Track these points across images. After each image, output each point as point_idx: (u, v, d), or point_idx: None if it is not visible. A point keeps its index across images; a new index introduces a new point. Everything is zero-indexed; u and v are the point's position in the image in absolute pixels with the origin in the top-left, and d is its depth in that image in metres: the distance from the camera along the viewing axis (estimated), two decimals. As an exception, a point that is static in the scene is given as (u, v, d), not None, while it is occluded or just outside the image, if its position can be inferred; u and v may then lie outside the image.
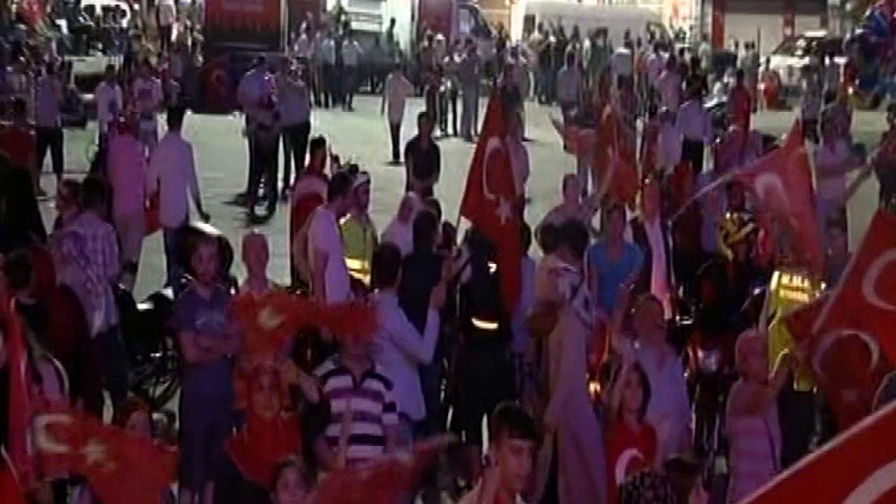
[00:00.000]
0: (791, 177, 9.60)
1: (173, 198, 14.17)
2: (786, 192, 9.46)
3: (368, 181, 11.70)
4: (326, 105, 32.57)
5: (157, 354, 11.25)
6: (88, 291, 9.77)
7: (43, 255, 9.19)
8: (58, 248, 9.46)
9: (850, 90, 30.27)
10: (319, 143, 14.09)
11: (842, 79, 31.96)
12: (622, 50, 34.63)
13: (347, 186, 10.87)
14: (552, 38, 36.63)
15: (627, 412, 7.36)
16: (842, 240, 10.86)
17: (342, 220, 11.14)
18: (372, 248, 10.60)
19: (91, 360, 8.85)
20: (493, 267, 9.67)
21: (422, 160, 15.63)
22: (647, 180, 12.72)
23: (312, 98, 30.63)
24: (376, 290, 8.90)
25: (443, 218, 11.14)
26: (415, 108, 28.88)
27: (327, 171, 13.47)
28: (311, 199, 12.36)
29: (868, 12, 35.36)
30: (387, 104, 25.75)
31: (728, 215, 11.58)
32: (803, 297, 9.60)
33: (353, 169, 12.45)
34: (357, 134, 25.70)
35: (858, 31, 35.37)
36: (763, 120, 28.75)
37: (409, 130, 24.98)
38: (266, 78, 21.60)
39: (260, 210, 19.74)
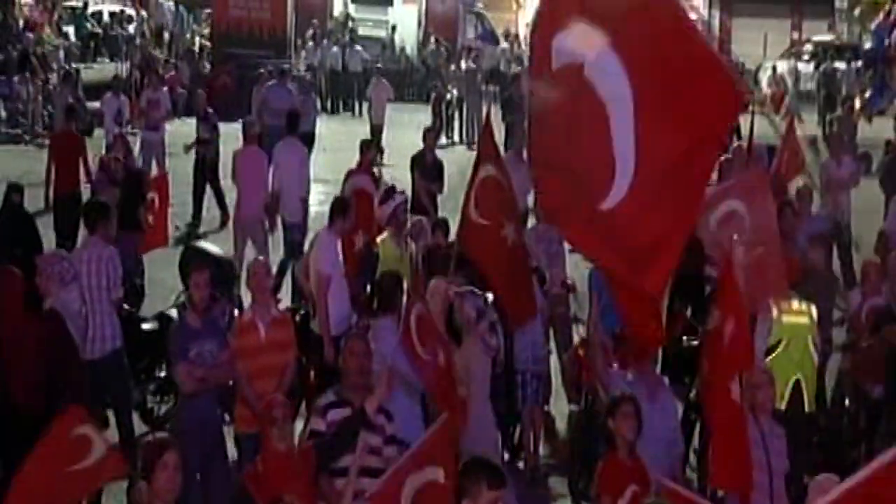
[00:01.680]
0: (755, 202, 9.64)
1: (292, 197, 15.01)
2: (749, 219, 9.50)
3: (406, 201, 11.80)
4: (333, 111, 32.54)
5: (162, 374, 11.26)
6: (80, 314, 9.82)
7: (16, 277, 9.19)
8: (44, 272, 9.43)
9: (858, 102, 30.21)
10: (369, 143, 15.16)
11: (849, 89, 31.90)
12: None
13: (348, 209, 10.89)
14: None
15: (622, 445, 7.29)
16: (821, 255, 10.84)
17: (380, 238, 11.23)
18: (408, 268, 10.66)
19: (78, 385, 8.90)
20: (489, 297, 9.68)
21: (426, 174, 15.64)
22: None
23: (319, 104, 30.71)
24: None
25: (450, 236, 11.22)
26: (421, 115, 29.06)
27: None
28: (360, 195, 12.99)
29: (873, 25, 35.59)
30: (370, 107, 25.99)
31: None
32: (806, 321, 9.61)
33: (392, 190, 12.50)
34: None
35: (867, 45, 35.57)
36: (769, 127, 28.69)
37: (390, 132, 25.46)
38: (290, 89, 21.64)
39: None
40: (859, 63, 34.37)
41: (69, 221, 15.23)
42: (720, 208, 9.73)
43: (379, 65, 30.31)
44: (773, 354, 9.40)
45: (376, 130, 25.50)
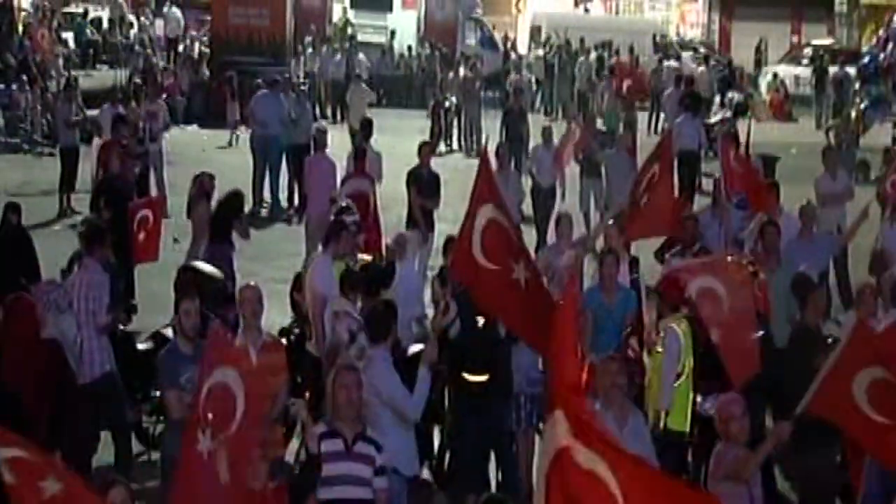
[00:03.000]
0: (733, 289, 9.73)
1: None
2: (726, 303, 9.62)
3: (356, 223, 11.80)
4: (335, 119, 32.28)
5: (157, 393, 11.25)
6: (76, 341, 9.85)
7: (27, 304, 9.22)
8: (40, 302, 9.44)
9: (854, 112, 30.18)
10: (363, 151, 16.01)
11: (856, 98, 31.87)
12: (672, 63, 34.47)
13: (343, 232, 10.93)
14: (557, 51, 36.58)
15: None
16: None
17: None
18: None
19: (76, 412, 8.93)
20: (480, 320, 9.68)
21: (422, 190, 15.63)
22: (611, 220, 12.57)
23: (318, 111, 30.65)
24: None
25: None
26: (419, 122, 29.07)
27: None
28: (359, 198, 14.41)
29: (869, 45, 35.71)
30: (348, 112, 26.23)
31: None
32: (691, 342, 9.68)
33: (344, 210, 12.49)
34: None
35: (863, 60, 35.54)
36: (770, 133, 28.69)
37: (386, 139, 25.48)
38: (280, 99, 21.63)
39: (266, 234, 19.67)
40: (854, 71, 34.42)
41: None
42: (697, 282, 9.86)
43: (358, 72, 30.36)
44: (679, 381, 9.55)
45: (355, 134, 25.71)
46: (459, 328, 9.67)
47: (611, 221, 12.32)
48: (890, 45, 35.80)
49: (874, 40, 35.48)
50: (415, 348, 9.97)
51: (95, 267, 10.36)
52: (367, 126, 17.66)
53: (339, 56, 33.22)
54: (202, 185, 14.83)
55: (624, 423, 8.09)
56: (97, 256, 10.46)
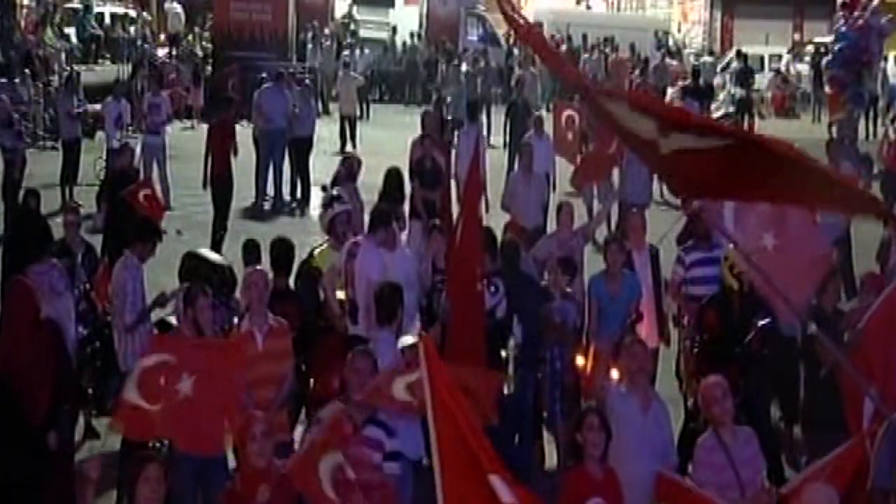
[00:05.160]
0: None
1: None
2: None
3: (346, 212, 11.72)
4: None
5: (162, 381, 11.24)
6: (74, 322, 9.88)
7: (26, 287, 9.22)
8: (36, 285, 9.44)
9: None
10: (431, 115, 17.29)
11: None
12: (707, 58, 34.54)
13: (390, 220, 10.70)
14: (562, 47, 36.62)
15: (590, 457, 7.15)
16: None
17: (318, 250, 11.22)
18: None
19: (67, 394, 8.98)
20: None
21: (425, 181, 15.61)
22: (633, 209, 12.53)
23: (320, 106, 30.63)
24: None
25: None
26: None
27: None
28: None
29: (834, 29, 33.97)
30: (340, 100, 26.41)
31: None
32: None
33: (335, 198, 12.44)
34: (368, 144, 25.66)
35: (835, 47, 33.73)
36: (772, 129, 28.65)
37: (387, 134, 25.74)
38: (285, 93, 21.63)
39: (269, 227, 19.63)
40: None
41: (222, 199, 17.86)
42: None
43: (347, 61, 30.47)
44: None
45: (347, 122, 25.91)
46: (506, 309, 9.82)
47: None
48: (872, 36, 33.68)
49: (842, 21, 32.93)
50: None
51: (128, 264, 10.33)
52: (471, 107, 18.01)
53: (349, 52, 33.22)
54: (350, 167, 14.97)
55: (647, 409, 7.94)
56: (138, 251, 10.44)
